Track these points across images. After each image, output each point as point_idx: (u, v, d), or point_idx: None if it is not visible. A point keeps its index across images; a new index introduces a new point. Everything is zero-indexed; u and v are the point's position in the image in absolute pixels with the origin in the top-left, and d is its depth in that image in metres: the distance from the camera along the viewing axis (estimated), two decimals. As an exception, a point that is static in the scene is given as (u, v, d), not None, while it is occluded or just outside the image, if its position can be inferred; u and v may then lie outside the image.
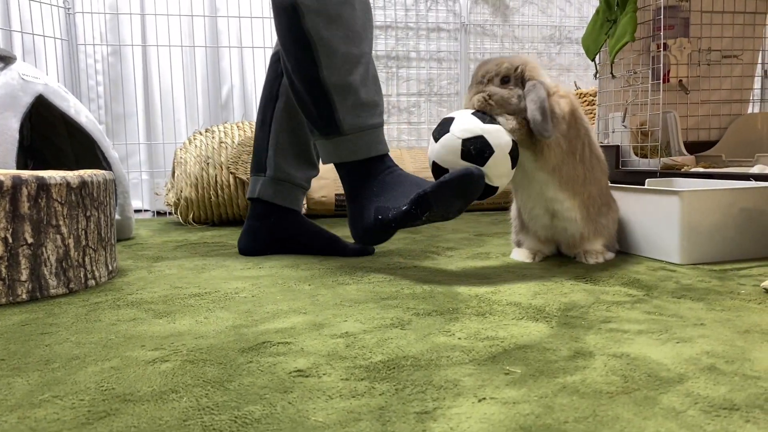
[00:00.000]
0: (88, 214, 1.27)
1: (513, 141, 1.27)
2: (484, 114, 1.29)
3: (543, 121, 1.26)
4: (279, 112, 1.63)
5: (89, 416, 0.65)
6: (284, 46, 1.38)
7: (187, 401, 0.68)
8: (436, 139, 1.28)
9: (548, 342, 0.87)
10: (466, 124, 1.26)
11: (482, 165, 1.24)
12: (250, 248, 1.67)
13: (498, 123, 1.28)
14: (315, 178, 1.73)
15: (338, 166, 1.44)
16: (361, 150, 1.39)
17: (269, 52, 2.98)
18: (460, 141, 1.25)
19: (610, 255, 1.47)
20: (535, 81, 1.30)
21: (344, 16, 1.33)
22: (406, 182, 1.35)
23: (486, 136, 1.25)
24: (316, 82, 1.35)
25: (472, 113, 1.29)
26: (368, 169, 1.39)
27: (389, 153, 1.44)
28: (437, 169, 1.30)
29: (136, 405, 0.67)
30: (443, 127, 1.29)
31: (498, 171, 1.26)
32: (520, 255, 1.50)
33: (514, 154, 1.28)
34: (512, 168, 1.28)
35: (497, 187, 1.30)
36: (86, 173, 1.29)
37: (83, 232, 1.26)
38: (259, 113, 1.70)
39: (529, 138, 1.30)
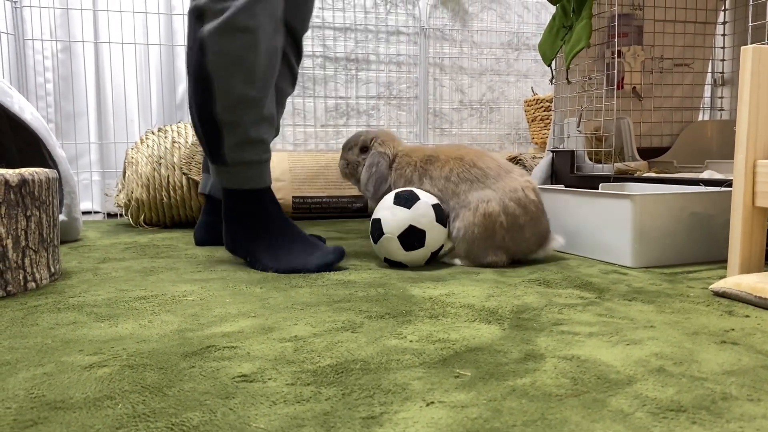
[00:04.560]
0: (28, 213, 1.22)
1: (412, 226, 1.39)
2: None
3: (365, 184, 1.56)
4: None
5: (14, 425, 0.61)
6: (189, 79, 1.45)
7: (123, 408, 0.65)
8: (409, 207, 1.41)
9: (500, 344, 0.86)
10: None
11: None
12: (207, 241, 1.82)
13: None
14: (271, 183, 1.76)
15: (223, 188, 1.54)
16: (241, 181, 1.49)
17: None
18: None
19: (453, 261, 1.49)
20: (374, 151, 1.56)
21: (247, 60, 1.38)
22: (275, 235, 1.49)
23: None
24: (210, 117, 1.42)
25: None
26: (244, 201, 1.51)
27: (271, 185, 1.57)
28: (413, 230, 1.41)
29: (67, 412, 0.64)
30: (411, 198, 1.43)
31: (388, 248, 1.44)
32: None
33: (406, 239, 1.40)
34: (406, 250, 1.42)
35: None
36: (27, 171, 1.23)
37: (23, 232, 1.20)
38: None
39: None
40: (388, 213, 1.41)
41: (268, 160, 1.52)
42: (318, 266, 1.41)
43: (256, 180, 1.50)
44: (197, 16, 1.39)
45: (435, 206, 1.42)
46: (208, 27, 1.36)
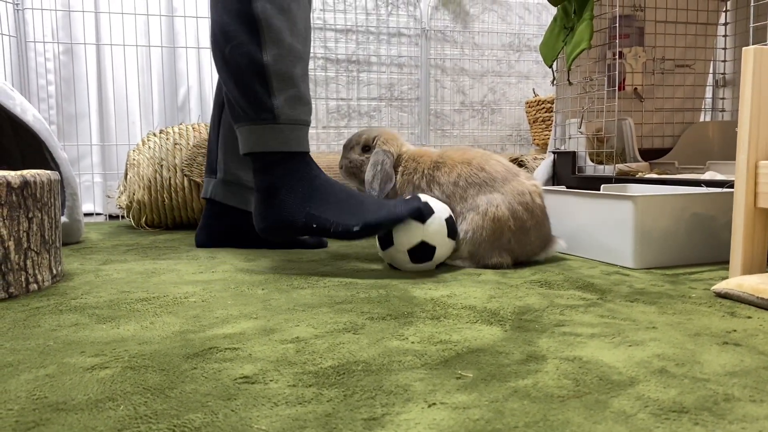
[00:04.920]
0: (30, 215, 1.22)
1: (424, 242, 1.35)
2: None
3: (370, 182, 1.51)
4: (228, 116, 1.66)
5: (16, 426, 0.61)
6: (227, 27, 1.35)
7: (125, 410, 0.65)
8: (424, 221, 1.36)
9: (501, 345, 0.86)
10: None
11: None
12: (208, 244, 1.81)
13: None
14: None
15: (258, 156, 1.38)
16: (292, 142, 1.36)
17: (228, 54, 2.92)
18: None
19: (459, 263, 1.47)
20: (378, 149, 1.55)
21: (292, 11, 1.35)
22: (338, 194, 1.36)
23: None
24: (258, 66, 1.33)
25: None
26: (293, 165, 1.36)
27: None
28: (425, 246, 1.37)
29: (69, 414, 0.64)
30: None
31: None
32: None
33: (416, 254, 1.37)
34: (413, 263, 1.39)
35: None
36: (29, 173, 1.23)
37: (25, 234, 1.21)
38: (212, 116, 1.78)
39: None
40: (401, 224, 1.36)
41: (310, 124, 1.44)
42: (410, 210, 1.31)
43: (305, 143, 1.38)
44: None
45: (448, 220, 1.38)
46: None
